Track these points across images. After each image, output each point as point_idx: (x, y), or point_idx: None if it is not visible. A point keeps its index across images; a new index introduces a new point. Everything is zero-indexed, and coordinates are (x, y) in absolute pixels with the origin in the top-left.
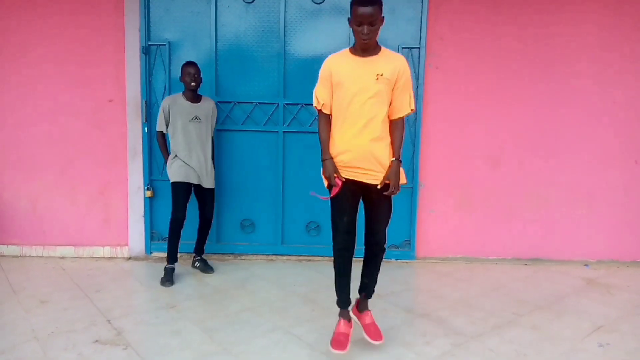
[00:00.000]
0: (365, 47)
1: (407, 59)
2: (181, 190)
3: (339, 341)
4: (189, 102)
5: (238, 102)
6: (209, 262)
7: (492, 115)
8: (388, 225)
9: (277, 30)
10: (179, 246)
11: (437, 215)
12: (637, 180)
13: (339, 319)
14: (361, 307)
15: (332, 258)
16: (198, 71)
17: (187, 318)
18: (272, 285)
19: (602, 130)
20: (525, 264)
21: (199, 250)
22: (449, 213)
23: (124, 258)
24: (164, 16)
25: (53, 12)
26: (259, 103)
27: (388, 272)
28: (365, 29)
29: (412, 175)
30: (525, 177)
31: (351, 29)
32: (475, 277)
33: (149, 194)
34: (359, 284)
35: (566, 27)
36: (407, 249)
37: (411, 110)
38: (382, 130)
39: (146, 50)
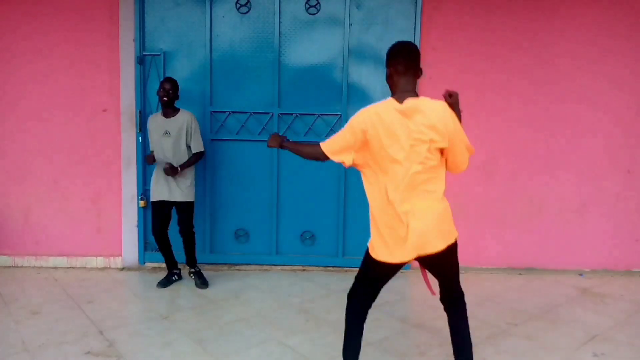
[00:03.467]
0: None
1: None
2: (154, 208)
3: None
4: (163, 118)
5: (232, 112)
6: (205, 275)
7: (485, 125)
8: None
9: (272, 41)
10: (173, 255)
11: None
12: (630, 189)
13: None
14: None
15: (328, 270)
16: (173, 87)
17: (180, 329)
18: (266, 296)
19: (595, 140)
20: (520, 274)
21: (189, 263)
22: None
23: (117, 268)
24: (159, 26)
25: (47, 21)
26: (254, 113)
27: None
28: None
29: None
30: (518, 186)
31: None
32: (470, 287)
33: (142, 203)
34: None
35: (558, 38)
36: None
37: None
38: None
39: (141, 60)
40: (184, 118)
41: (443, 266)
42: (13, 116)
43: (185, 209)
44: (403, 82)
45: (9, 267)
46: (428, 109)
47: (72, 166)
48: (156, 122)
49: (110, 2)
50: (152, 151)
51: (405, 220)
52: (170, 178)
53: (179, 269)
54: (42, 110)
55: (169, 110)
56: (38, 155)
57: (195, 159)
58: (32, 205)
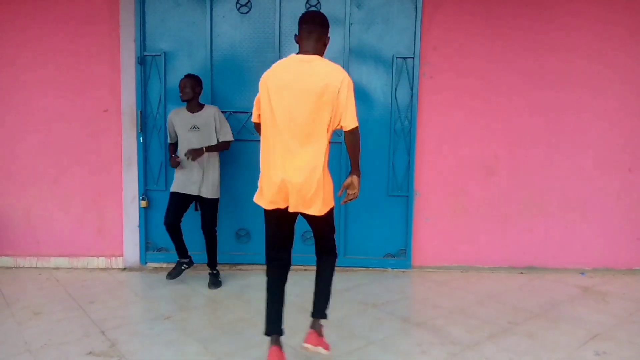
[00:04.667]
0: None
1: (401, 68)
2: (174, 200)
3: None
4: (189, 113)
5: (233, 112)
6: (220, 277)
7: (486, 124)
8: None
9: (272, 40)
10: (184, 243)
11: (433, 224)
12: (631, 187)
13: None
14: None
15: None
16: (191, 83)
17: (182, 329)
18: None
19: (596, 138)
20: (521, 272)
21: (210, 264)
22: (444, 222)
23: (118, 269)
24: (160, 26)
25: (48, 21)
26: None
27: (384, 281)
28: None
29: (408, 184)
30: (519, 185)
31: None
32: (471, 286)
33: (143, 204)
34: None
35: (559, 37)
36: (402, 257)
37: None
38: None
39: (141, 61)
40: (210, 112)
41: (313, 221)
42: (14, 117)
43: (211, 206)
44: (304, 43)
45: (11, 267)
46: (319, 65)
47: (74, 167)
48: (180, 117)
49: (110, 3)
50: (171, 143)
51: (275, 172)
52: (199, 173)
53: (189, 257)
54: (43, 110)
55: (194, 105)
56: (39, 155)
57: (222, 146)
58: (34, 205)
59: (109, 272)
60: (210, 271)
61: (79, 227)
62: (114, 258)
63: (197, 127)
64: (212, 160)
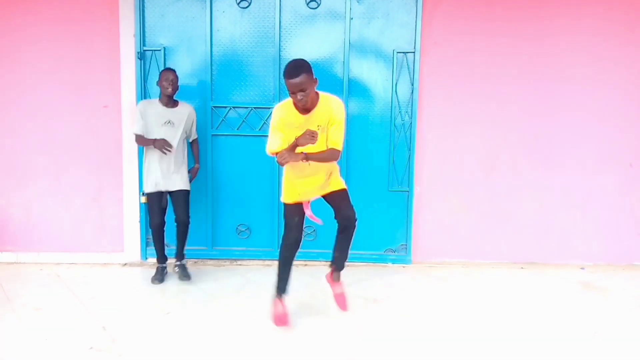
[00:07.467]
0: (305, 109)
1: (402, 63)
2: (153, 200)
3: (283, 320)
4: (164, 107)
5: (233, 107)
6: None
7: (486, 120)
8: (351, 203)
9: (272, 35)
10: (165, 247)
11: (433, 219)
12: (632, 182)
13: (277, 300)
14: (335, 276)
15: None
16: (176, 78)
17: (182, 324)
18: (268, 291)
19: (596, 134)
20: (522, 268)
21: (178, 255)
22: (445, 217)
23: (119, 264)
24: (159, 21)
25: (47, 16)
26: (255, 108)
27: (384, 276)
28: (298, 95)
29: (408, 179)
30: (520, 181)
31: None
32: (472, 281)
33: (143, 199)
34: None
35: (560, 32)
36: (403, 253)
37: (337, 149)
38: (326, 166)
39: (141, 56)
40: (187, 110)
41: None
42: (14, 113)
43: (186, 197)
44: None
45: (12, 263)
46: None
47: (74, 162)
48: (155, 109)
49: None
50: (139, 135)
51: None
52: (168, 167)
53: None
54: (43, 106)
55: (170, 100)
56: (40, 151)
57: (198, 149)
58: (34, 201)
59: (109, 267)
60: (179, 263)
61: (79, 223)
62: (114, 254)
63: (172, 123)
64: (184, 154)
